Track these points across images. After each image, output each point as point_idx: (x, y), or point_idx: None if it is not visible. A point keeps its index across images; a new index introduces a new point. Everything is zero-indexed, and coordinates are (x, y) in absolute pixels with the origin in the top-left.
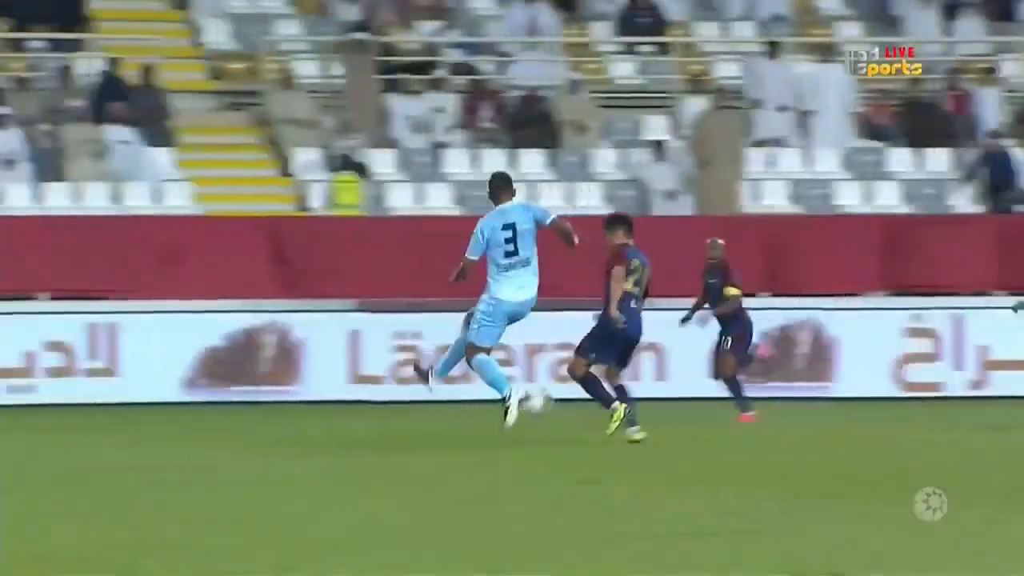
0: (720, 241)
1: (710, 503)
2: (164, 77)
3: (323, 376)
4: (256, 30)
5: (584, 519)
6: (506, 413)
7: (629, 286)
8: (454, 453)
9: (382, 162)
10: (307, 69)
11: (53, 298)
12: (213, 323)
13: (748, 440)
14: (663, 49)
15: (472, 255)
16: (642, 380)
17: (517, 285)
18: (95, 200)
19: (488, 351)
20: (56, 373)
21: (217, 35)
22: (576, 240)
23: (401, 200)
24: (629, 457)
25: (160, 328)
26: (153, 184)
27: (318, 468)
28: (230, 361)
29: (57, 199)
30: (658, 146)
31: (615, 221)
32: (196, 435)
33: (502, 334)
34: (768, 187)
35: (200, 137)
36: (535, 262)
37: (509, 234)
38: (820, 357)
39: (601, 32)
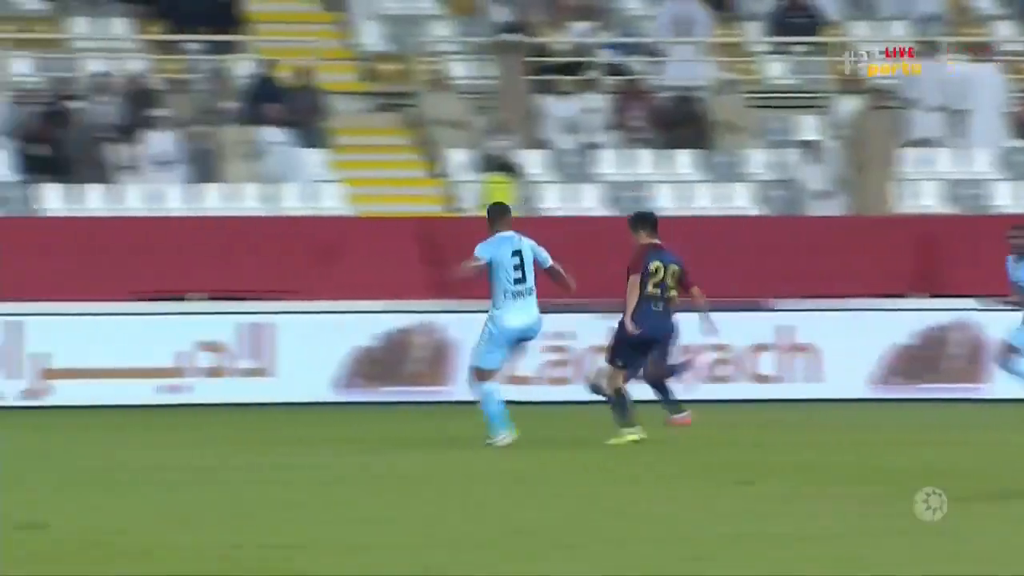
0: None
1: (856, 504)
2: (318, 78)
3: None
4: (409, 31)
5: (736, 520)
6: (489, 442)
7: (650, 289)
8: (596, 453)
9: (533, 163)
10: (459, 70)
11: (208, 299)
12: (365, 323)
13: (893, 442)
14: (816, 49)
15: (482, 256)
16: (796, 381)
17: (523, 310)
18: (249, 201)
19: (492, 375)
20: (211, 373)
21: (370, 37)
22: (572, 284)
23: (552, 201)
24: (782, 458)
25: (313, 328)
26: (306, 185)
27: (470, 467)
28: (383, 361)
29: (212, 200)
30: (811, 146)
31: (637, 221)
32: (350, 434)
33: (505, 359)
34: (922, 187)
35: (353, 138)
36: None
37: (517, 261)
38: (973, 359)
39: (753, 32)
